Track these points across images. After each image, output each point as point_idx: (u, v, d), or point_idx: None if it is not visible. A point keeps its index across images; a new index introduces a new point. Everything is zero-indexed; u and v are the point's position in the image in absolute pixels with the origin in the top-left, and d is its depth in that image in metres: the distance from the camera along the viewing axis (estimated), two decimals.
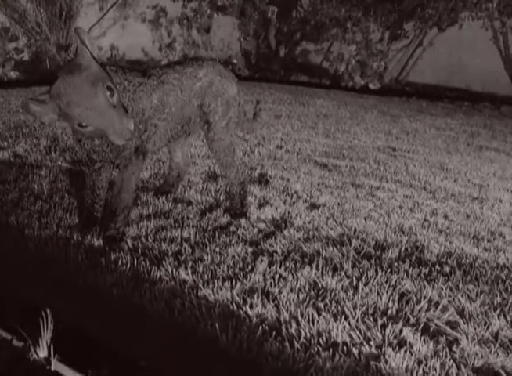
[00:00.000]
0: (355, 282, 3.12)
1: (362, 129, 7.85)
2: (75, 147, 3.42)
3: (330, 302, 2.89)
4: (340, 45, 13.41)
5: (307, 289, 3.02)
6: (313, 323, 2.69)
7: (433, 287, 3.15)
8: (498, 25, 12.50)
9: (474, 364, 2.51)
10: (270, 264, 3.27)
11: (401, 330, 2.67)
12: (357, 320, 2.74)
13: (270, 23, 13.74)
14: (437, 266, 3.42)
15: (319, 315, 2.76)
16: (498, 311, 2.93)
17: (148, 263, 3.17)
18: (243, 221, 3.88)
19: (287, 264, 3.29)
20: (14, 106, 7.30)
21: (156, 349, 2.42)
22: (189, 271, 3.11)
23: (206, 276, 3.08)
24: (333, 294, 2.98)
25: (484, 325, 2.80)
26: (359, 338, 2.61)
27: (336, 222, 4.01)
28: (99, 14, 12.09)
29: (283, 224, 3.90)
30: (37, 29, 10.85)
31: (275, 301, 2.86)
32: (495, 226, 4.23)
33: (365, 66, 13.06)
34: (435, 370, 2.44)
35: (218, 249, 3.41)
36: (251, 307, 2.78)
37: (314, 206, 4.31)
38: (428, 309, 2.89)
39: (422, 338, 2.63)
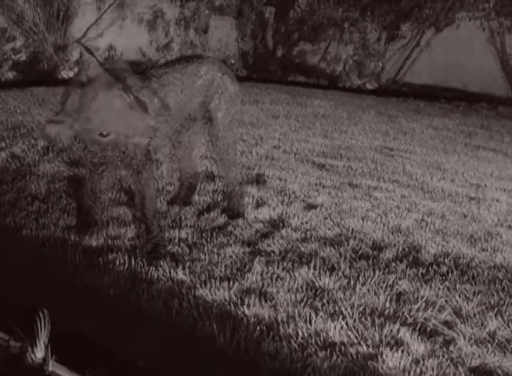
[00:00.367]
0: (352, 282, 3.12)
1: (359, 129, 7.86)
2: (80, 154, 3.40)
3: (327, 302, 2.90)
4: (337, 46, 13.41)
5: (304, 289, 3.02)
6: (310, 323, 2.69)
7: (430, 287, 3.16)
8: (495, 25, 12.50)
9: (471, 364, 2.52)
10: (267, 264, 3.27)
11: (398, 330, 2.68)
12: (354, 320, 2.74)
13: (267, 23, 13.74)
14: (434, 266, 3.43)
15: (316, 315, 2.76)
16: (495, 311, 2.94)
17: (145, 263, 3.17)
18: (240, 221, 3.88)
19: (284, 264, 3.29)
20: (12, 107, 7.28)
21: (154, 349, 2.42)
22: (187, 271, 3.11)
23: (203, 276, 3.08)
24: (330, 294, 2.99)
25: (481, 325, 2.81)
26: (356, 337, 2.61)
27: (333, 222, 4.02)
28: (97, 15, 12.07)
29: (281, 224, 3.90)
30: (35, 29, 10.84)
31: (273, 302, 2.86)
32: (492, 226, 4.24)
33: (363, 66, 13.06)
34: (432, 370, 2.45)
35: (215, 249, 3.42)
36: (248, 307, 2.78)
37: (311, 206, 4.32)
38: (425, 309, 2.89)
39: (419, 338, 2.64)
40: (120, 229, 3.60)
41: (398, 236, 3.87)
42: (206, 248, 3.43)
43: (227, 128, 3.71)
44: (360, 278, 3.18)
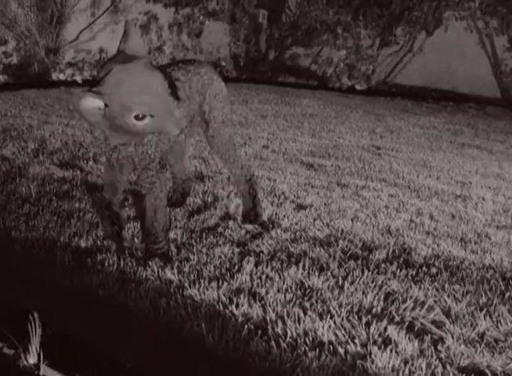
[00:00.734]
0: (340, 281, 3.13)
1: (346, 128, 7.89)
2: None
3: (316, 302, 2.90)
4: (330, 51, 13.44)
5: (293, 289, 3.03)
6: (299, 323, 2.69)
7: (419, 287, 3.16)
8: (482, 26, 12.55)
9: (460, 364, 2.52)
10: (257, 264, 3.28)
11: (385, 329, 2.68)
12: (342, 319, 2.75)
13: (261, 28, 13.76)
14: (424, 268, 3.43)
15: (305, 314, 2.77)
16: (484, 311, 2.94)
17: (134, 264, 3.17)
18: (230, 222, 3.88)
19: (274, 264, 3.30)
20: (2, 110, 7.26)
21: (143, 350, 2.42)
22: (175, 271, 3.11)
23: (192, 276, 3.08)
24: (319, 293, 2.99)
25: (470, 325, 2.81)
26: (344, 336, 2.61)
27: (323, 222, 4.02)
28: (90, 19, 12.07)
29: (271, 225, 3.90)
30: (27, 33, 10.84)
31: (262, 301, 2.86)
32: (481, 227, 4.25)
33: (354, 68, 13.10)
34: (421, 369, 2.45)
35: (204, 250, 3.42)
36: (237, 307, 2.78)
37: (301, 207, 4.32)
38: (414, 309, 2.90)
39: (407, 337, 2.64)
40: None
41: (388, 237, 3.88)
42: (195, 249, 3.43)
43: (221, 125, 3.71)
44: (349, 277, 3.18)
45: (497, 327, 2.81)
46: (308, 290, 3.02)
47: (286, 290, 3.01)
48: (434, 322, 2.81)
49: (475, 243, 3.94)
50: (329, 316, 2.75)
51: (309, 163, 5.69)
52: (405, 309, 2.88)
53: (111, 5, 12.24)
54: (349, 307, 2.86)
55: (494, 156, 6.90)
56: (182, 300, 2.81)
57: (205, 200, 4.27)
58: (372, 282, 3.16)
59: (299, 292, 3.00)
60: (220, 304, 2.80)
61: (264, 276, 3.13)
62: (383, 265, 3.41)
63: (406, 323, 2.76)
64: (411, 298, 3.00)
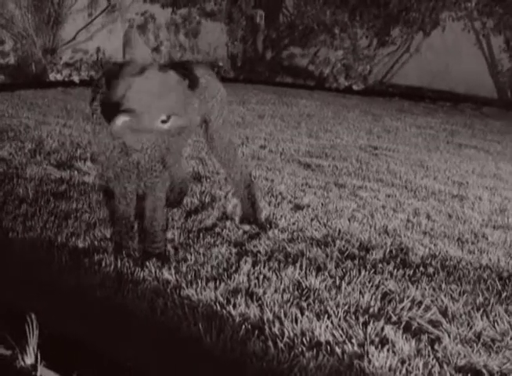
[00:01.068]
0: (338, 281, 3.13)
1: (344, 128, 7.90)
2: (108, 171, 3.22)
3: (313, 302, 2.90)
4: (327, 50, 13.45)
5: (291, 289, 3.03)
6: (296, 323, 2.70)
7: (416, 287, 3.16)
8: (479, 27, 12.56)
9: (457, 363, 2.52)
10: (254, 264, 3.28)
11: (382, 328, 2.69)
12: (339, 319, 2.75)
13: (258, 28, 13.76)
14: (421, 268, 3.44)
15: (303, 314, 2.77)
16: (480, 311, 2.95)
17: (132, 264, 3.17)
18: (227, 222, 3.88)
19: (271, 264, 3.30)
20: None
21: (140, 350, 2.42)
22: (173, 271, 3.11)
23: (189, 276, 3.08)
24: (316, 293, 2.99)
25: (467, 325, 2.82)
26: (342, 336, 2.62)
27: (320, 222, 4.03)
28: (87, 20, 12.07)
29: (268, 225, 3.90)
30: (24, 33, 10.84)
31: (259, 302, 2.86)
32: (478, 227, 4.25)
33: (351, 69, 13.10)
34: (418, 369, 2.45)
35: (202, 250, 3.42)
36: (235, 307, 2.78)
37: (298, 207, 4.33)
38: (411, 308, 2.90)
39: (404, 336, 2.64)
40: (107, 231, 3.59)
41: (385, 237, 3.88)
42: (193, 249, 3.43)
43: (221, 128, 3.70)
44: (346, 277, 3.19)
45: (494, 327, 2.82)
46: (306, 290, 3.03)
47: (284, 290, 3.01)
48: (430, 321, 2.82)
49: (472, 243, 3.95)
50: (326, 316, 2.76)
51: (307, 163, 5.69)
52: (402, 309, 2.88)
53: (108, 6, 12.25)
54: (346, 307, 2.86)
55: (491, 156, 6.92)
56: (180, 300, 2.81)
57: (202, 201, 4.27)
58: (369, 282, 3.16)
59: (296, 292, 3.00)
60: (217, 304, 2.80)
61: (261, 277, 3.13)
62: (380, 265, 3.41)
63: (403, 323, 2.76)
64: (408, 297, 3.01)
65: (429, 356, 2.55)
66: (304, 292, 3.00)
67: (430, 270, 3.42)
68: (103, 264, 3.15)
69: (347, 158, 6.06)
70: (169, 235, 3.58)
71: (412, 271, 3.37)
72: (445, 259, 3.62)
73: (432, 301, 3.02)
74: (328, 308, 2.84)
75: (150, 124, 2.84)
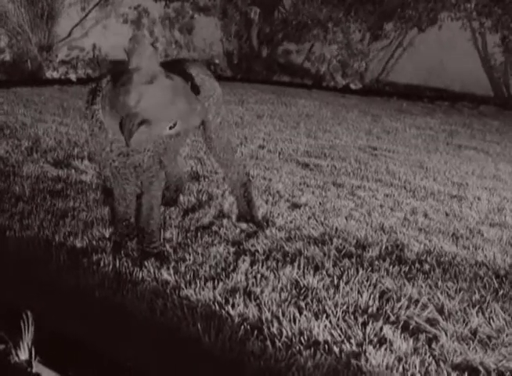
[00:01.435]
0: (336, 281, 3.15)
1: (343, 129, 7.90)
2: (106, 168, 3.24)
3: (312, 301, 2.92)
4: (321, 46, 13.46)
5: (288, 288, 3.04)
6: (295, 322, 2.71)
7: (413, 285, 3.18)
8: (476, 26, 12.58)
9: (453, 361, 2.54)
10: (252, 263, 3.29)
11: (381, 328, 2.70)
12: (338, 319, 2.77)
13: (252, 23, 13.76)
14: (417, 264, 3.46)
15: (301, 314, 2.78)
16: (476, 308, 2.97)
17: (130, 264, 3.18)
18: (225, 221, 3.89)
19: (269, 263, 3.31)
20: None
21: (139, 350, 2.42)
22: (172, 271, 3.12)
23: (188, 276, 3.09)
24: (314, 293, 3.01)
25: (463, 322, 2.84)
26: (340, 336, 2.63)
27: (317, 221, 4.04)
28: (81, 14, 12.06)
29: (265, 224, 3.91)
30: (19, 29, 10.81)
31: (257, 301, 2.88)
32: (474, 224, 4.28)
33: (347, 66, 13.12)
34: (415, 367, 2.47)
35: (200, 249, 3.43)
36: (233, 307, 2.80)
37: (296, 205, 4.34)
38: (408, 307, 2.92)
39: (402, 336, 2.66)
40: (105, 230, 3.60)
41: (381, 234, 3.90)
42: (191, 248, 3.44)
43: (219, 128, 3.70)
44: (344, 277, 3.20)
45: (490, 324, 2.84)
46: (304, 289, 3.04)
47: (282, 289, 3.02)
48: (428, 320, 2.84)
49: (467, 238, 3.98)
50: (324, 316, 2.77)
51: (305, 163, 5.70)
52: (399, 308, 2.90)
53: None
54: (345, 307, 2.88)
55: (490, 157, 6.93)
56: (179, 300, 2.82)
57: (200, 199, 4.28)
58: (366, 280, 3.18)
59: (294, 291, 3.01)
60: (216, 304, 2.82)
61: (259, 276, 3.14)
62: (376, 263, 3.43)
63: (401, 323, 2.78)
64: (405, 296, 3.03)
65: (426, 353, 2.57)
66: (302, 291, 3.02)
67: (426, 267, 3.44)
68: (102, 264, 3.16)
69: (345, 158, 6.07)
70: (167, 234, 3.59)
71: (407, 268, 3.39)
72: (440, 255, 3.64)
73: (429, 299, 3.04)
74: (326, 307, 2.85)
75: (160, 131, 2.89)
